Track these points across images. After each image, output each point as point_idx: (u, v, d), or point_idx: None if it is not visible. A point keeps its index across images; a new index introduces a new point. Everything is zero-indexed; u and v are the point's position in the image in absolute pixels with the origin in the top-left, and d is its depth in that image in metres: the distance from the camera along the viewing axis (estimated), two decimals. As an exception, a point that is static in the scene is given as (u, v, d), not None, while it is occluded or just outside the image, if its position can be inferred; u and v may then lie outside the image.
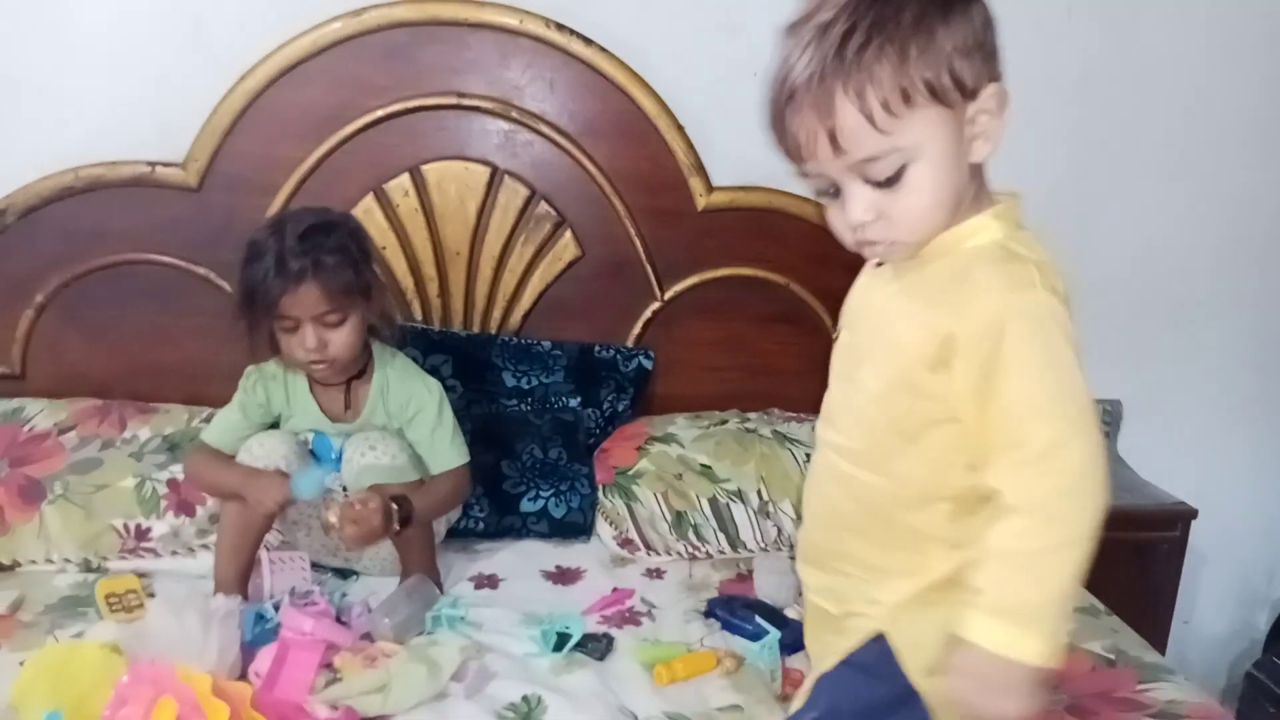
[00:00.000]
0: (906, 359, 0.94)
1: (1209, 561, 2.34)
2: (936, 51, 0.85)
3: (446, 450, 1.67)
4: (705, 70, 1.98)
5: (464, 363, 1.98)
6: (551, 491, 1.86)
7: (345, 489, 1.61)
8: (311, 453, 1.66)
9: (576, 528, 1.86)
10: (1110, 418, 2.26)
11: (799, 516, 1.63)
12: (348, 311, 1.55)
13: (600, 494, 1.88)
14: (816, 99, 0.86)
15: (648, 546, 1.83)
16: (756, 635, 1.53)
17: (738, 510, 1.84)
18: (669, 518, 1.83)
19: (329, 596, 1.58)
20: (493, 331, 2.06)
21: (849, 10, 0.85)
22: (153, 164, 1.90)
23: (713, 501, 1.84)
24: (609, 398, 2.04)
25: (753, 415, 2.03)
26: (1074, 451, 0.87)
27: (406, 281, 2.02)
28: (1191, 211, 2.24)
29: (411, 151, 1.96)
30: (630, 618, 1.62)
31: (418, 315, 2.04)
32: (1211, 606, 2.43)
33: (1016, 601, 0.87)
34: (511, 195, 2.00)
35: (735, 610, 1.60)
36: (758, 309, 2.10)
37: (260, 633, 1.46)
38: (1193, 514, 2.07)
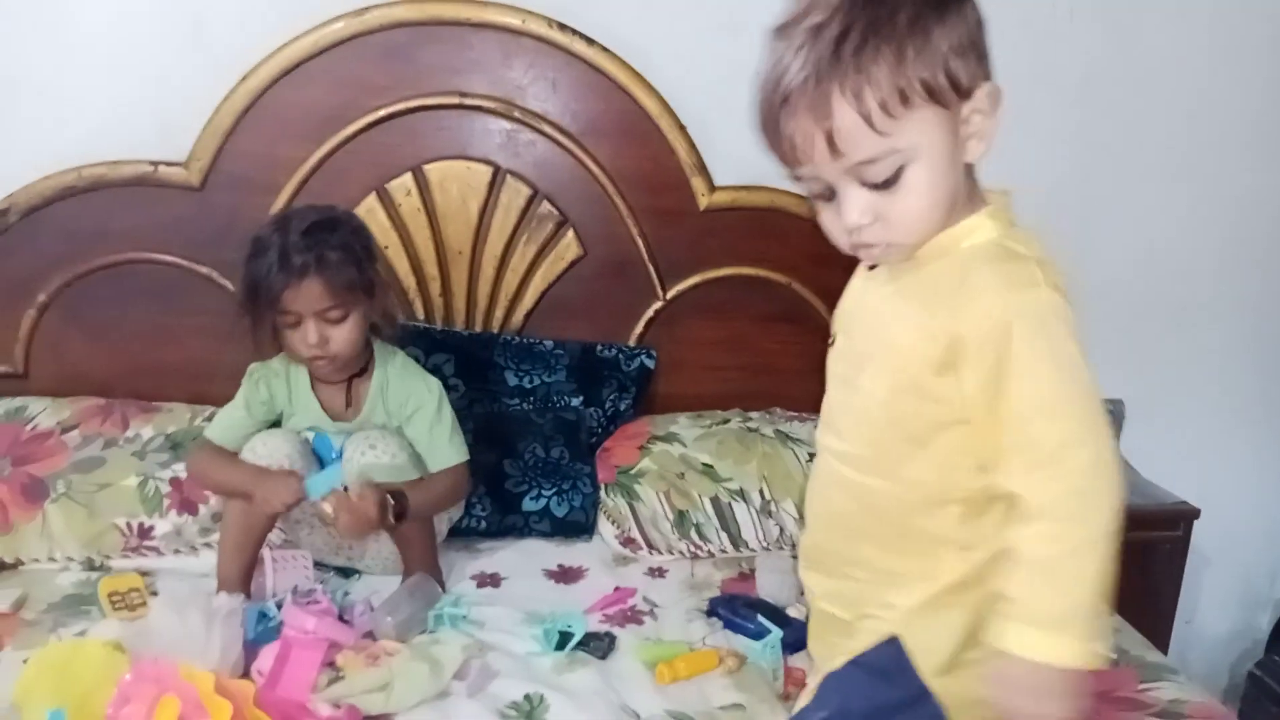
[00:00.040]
0: (908, 362, 0.93)
1: (1211, 562, 2.34)
2: (933, 52, 0.85)
3: (445, 448, 1.67)
4: (707, 70, 1.97)
5: (466, 362, 1.98)
6: (554, 490, 1.86)
7: (346, 488, 1.61)
8: (314, 452, 1.66)
9: (578, 527, 1.86)
10: (1113, 418, 2.26)
11: (801, 516, 1.63)
12: (350, 308, 1.56)
13: (602, 493, 1.88)
14: (813, 101, 0.85)
15: (650, 545, 1.83)
16: (759, 634, 1.52)
17: (740, 509, 1.84)
18: (671, 517, 1.83)
19: (331, 595, 1.58)
20: (495, 331, 2.06)
21: (843, 12, 0.84)
22: (155, 164, 1.90)
23: (715, 501, 1.84)
24: (611, 397, 2.04)
25: (755, 415, 2.03)
26: (1085, 450, 0.87)
27: (409, 281, 2.02)
28: (1194, 213, 2.24)
29: (414, 151, 1.96)
30: (632, 617, 1.62)
31: (420, 314, 2.04)
32: (1214, 606, 2.43)
33: (1048, 607, 0.88)
34: (514, 195, 2.00)
35: (737, 609, 1.60)
36: (760, 308, 2.10)
37: (263, 631, 1.46)
38: (1195, 514, 2.07)
